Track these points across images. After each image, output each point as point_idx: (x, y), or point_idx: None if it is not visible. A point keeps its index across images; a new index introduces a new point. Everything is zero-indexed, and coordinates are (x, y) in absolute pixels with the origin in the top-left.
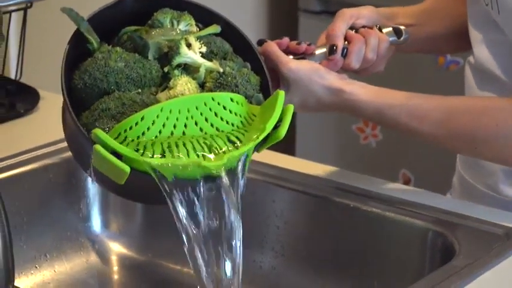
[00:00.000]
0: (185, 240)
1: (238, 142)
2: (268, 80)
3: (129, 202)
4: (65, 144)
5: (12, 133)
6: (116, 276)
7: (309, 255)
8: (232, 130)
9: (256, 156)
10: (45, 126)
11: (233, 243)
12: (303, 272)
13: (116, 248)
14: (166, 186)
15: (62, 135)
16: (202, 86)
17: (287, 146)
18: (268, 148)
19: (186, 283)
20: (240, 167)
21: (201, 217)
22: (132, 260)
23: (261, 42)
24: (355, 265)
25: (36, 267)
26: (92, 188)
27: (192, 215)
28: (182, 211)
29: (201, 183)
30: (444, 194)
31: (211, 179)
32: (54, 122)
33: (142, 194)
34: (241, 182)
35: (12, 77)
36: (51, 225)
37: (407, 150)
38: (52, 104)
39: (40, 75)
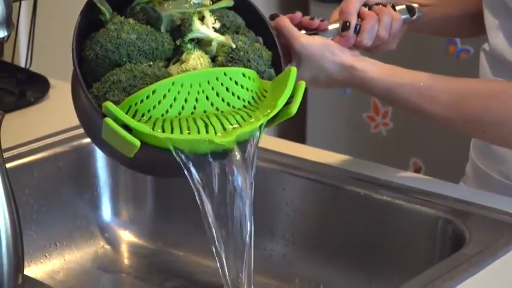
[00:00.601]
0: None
1: (249, 118)
2: (280, 55)
3: (139, 190)
4: (75, 132)
5: (22, 121)
6: (126, 265)
7: (319, 243)
8: (243, 105)
9: (267, 144)
10: (55, 114)
11: (243, 221)
12: (314, 260)
13: (126, 237)
14: (180, 160)
15: (72, 123)
16: (213, 60)
17: (298, 134)
18: (279, 136)
19: (196, 271)
20: (252, 144)
21: (214, 191)
22: (142, 248)
23: (273, 17)
24: (366, 253)
25: (46, 256)
26: (102, 176)
27: (204, 188)
28: (197, 183)
29: (212, 158)
30: (455, 183)
31: (222, 154)
32: (64, 110)
33: (151, 167)
34: (254, 156)
35: (22, 65)
36: (61, 213)
37: (418, 139)
38: (62, 92)
39: (50, 64)
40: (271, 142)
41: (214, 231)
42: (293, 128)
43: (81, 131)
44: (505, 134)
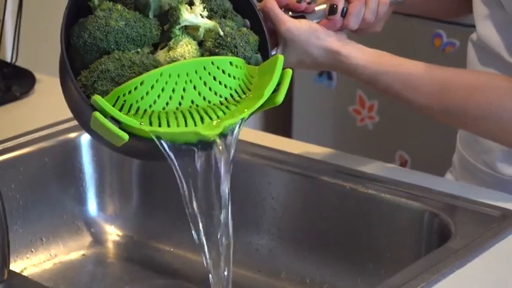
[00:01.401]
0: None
1: (235, 108)
2: (267, 39)
3: (125, 185)
4: (60, 127)
5: (8, 116)
6: (112, 259)
7: (305, 237)
8: (230, 94)
9: (252, 138)
10: (41, 109)
11: (222, 209)
12: (300, 254)
13: (112, 231)
14: (165, 150)
15: (58, 118)
16: (200, 44)
17: (284, 128)
18: (265, 130)
19: (182, 265)
20: (234, 132)
21: (197, 179)
22: (128, 243)
23: None
24: (351, 247)
25: (32, 251)
26: (88, 171)
27: (188, 176)
28: (180, 170)
29: (198, 148)
30: (441, 175)
31: (207, 144)
32: (50, 105)
33: (139, 153)
34: (234, 144)
35: (8, 60)
36: (47, 208)
37: (403, 132)
38: (48, 87)
39: (36, 58)
40: (257, 136)
41: (196, 219)
42: (279, 121)
43: (67, 125)
44: (488, 126)
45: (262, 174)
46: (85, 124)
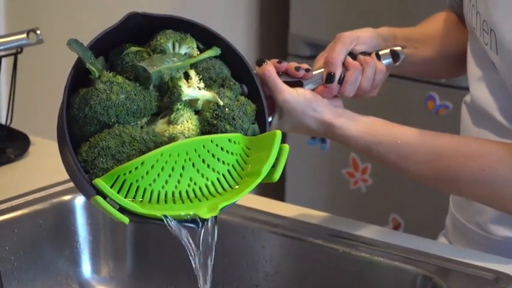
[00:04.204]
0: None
1: (231, 190)
2: (265, 106)
3: (119, 247)
4: (55, 189)
5: (2, 179)
6: None
7: None
8: (227, 170)
9: (245, 202)
10: (35, 171)
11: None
12: None
13: None
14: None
15: (52, 180)
16: (198, 112)
17: (277, 191)
18: (258, 194)
19: None
20: None
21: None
22: None
23: (260, 63)
24: None
25: None
26: (82, 233)
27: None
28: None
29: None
30: (435, 237)
31: (203, 220)
32: (45, 168)
33: (135, 220)
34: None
35: (3, 122)
36: (41, 270)
37: (397, 195)
38: (42, 149)
39: (30, 121)
40: (250, 200)
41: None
42: (272, 185)
43: (61, 188)
44: (481, 192)
45: (256, 238)
46: (84, 194)
